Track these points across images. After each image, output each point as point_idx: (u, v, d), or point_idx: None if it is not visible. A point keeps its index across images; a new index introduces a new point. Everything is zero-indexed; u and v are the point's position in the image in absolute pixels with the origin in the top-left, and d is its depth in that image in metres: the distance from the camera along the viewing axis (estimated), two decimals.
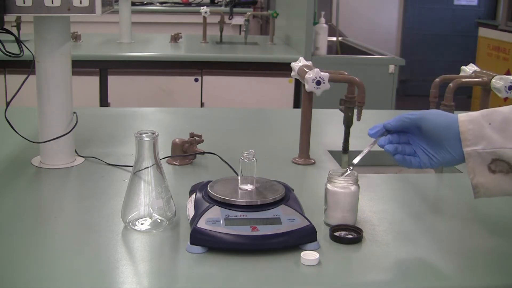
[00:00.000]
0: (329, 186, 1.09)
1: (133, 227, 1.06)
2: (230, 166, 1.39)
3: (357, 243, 1.03)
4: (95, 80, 3.23)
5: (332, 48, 4.09)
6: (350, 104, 1.43)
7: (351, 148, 1.50)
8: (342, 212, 1.08)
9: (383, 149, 1.03)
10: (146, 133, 1.04)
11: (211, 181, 1.10)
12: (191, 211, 1.04)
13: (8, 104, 1.38)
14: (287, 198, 1.05)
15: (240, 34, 5.22)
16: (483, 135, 0.96)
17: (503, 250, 1.03)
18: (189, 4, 5.73)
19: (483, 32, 5.46)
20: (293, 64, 1.50)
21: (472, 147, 0.96)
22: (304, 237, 0.99)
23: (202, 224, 0.97)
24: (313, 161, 1.49)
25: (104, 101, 3.24)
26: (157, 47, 3.69)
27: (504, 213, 1.19)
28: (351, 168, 1.07)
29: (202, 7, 3.88)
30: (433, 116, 1.00)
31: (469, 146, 0.96)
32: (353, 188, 1.08)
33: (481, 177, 0.97)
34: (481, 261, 1.00)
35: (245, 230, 0.96)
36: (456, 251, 1.03)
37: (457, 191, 1.31)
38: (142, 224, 1.06)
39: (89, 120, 1.80)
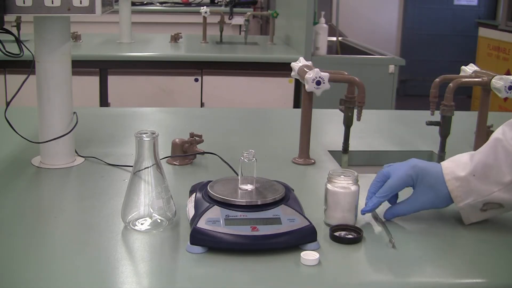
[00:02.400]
0: (329, 186, 1.09)
1: (133, 227, 1.06)
2: (230, 166, 1.39)
3: (357, 243, 1.03)
4: (95, 80, 3.23)
5: (332, 48, 4.08)
6: (350, 104, 1.43)
7: (351, 148, 1.50)
8: (342, 212, 1.08)
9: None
10: (146, 133, 1.04)
11: (211, 181, 1.10)
12: (191, 211, 1.04)
13: (8, 104, 1.38)
14: (287, 198, 1.05)
15: (240, 34, 5.22)
16: (471, 189, 1.06)
17: (505, 249, 1.03)
18: (189, 4, 5.73)
19: (483, 32, 5.46)
20: (293, 64, 1.50)
21: (464, 201, 1.08)
22: (304, 237, 0.99)
23: (202, 224, 0.97)
24: (313, 161, 1.49)
25: (104, 101, 3.24)
26: (157, 47, 3.69)
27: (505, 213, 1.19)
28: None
29: (202, 7, 3.88)
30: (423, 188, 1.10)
31: (461, 202, 1.08)
32: (353, 188, 1.08)
33: (474, 218, 1.09)
34: (482, 260, 1.00)
35: (245, 230, 0.96)
36: (456, 250, 1.03)
37: None
38: (142, 224, 1.06)
39: (89, 120, 1.80)
